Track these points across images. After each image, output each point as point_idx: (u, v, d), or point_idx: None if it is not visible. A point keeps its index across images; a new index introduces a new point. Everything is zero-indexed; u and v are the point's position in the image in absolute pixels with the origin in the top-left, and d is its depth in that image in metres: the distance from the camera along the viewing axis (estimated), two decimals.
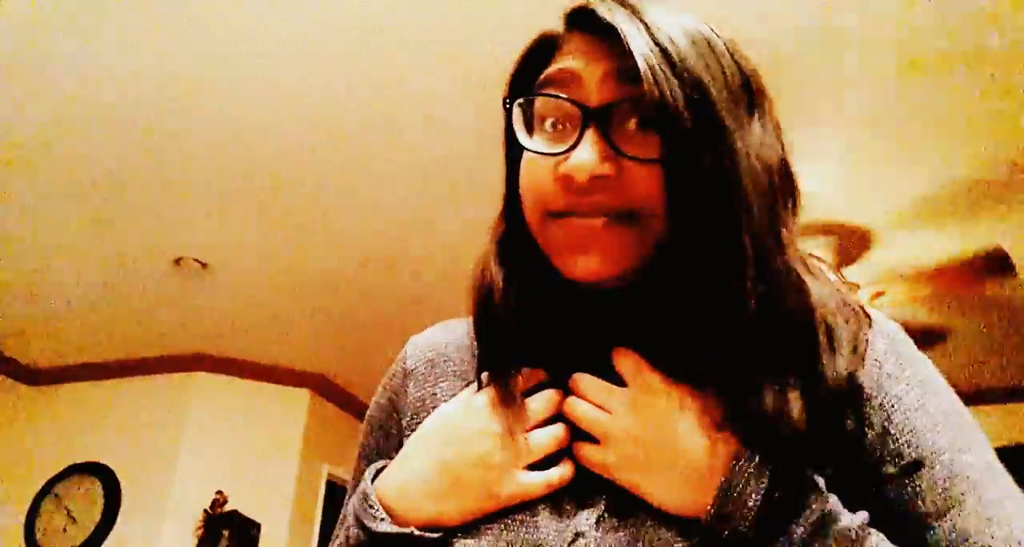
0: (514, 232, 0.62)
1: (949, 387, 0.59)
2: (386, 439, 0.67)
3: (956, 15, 1.91)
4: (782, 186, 0.56)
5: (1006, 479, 0.54)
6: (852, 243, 2.83)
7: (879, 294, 2.94)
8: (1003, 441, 3.77)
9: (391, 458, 0.62)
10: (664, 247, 0.53)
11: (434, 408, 0.63)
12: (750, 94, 0.56)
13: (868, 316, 0.59)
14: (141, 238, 3.03)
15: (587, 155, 0.52)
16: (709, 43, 0.54)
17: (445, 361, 0.67)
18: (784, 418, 0.50)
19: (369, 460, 0.66)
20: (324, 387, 4.33)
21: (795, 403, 0.51)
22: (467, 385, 0.63)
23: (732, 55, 0.56)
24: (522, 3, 1.91)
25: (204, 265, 3.22)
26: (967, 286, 2.89)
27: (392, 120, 2.38)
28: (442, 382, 0.65)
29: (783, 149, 0.57)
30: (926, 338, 3.36)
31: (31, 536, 3.85)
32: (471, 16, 1.98)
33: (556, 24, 0.61)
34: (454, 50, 2.10)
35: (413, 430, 0.62)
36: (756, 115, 0.55)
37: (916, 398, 0.56)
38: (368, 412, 0.72)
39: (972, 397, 3.77)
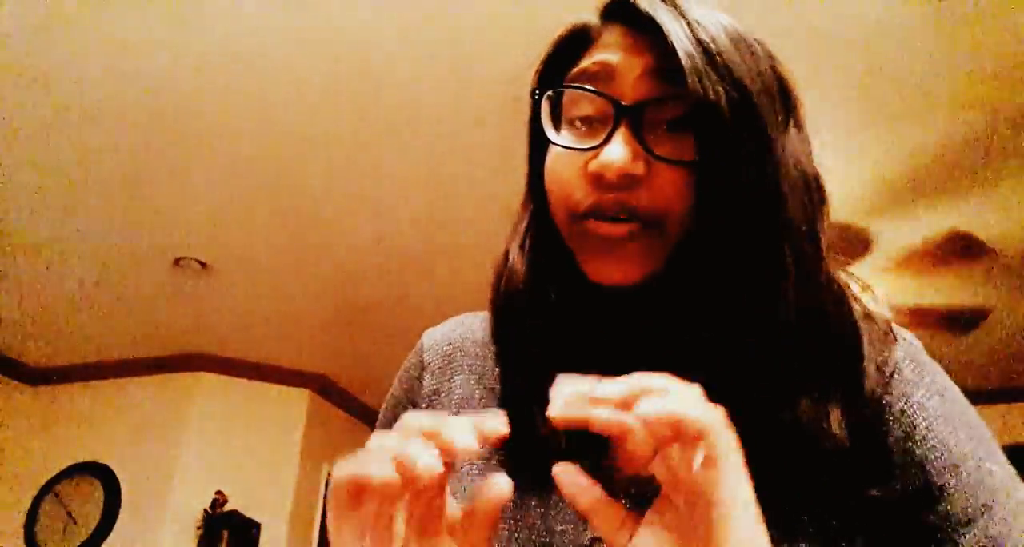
0: (538, 228, 0.60)
1: (963, 396, 0.58)
2: None
3: None
4: (819, 196, 0.54)
5: None
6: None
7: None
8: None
9: None
10: (688, 248, 0.52)
11: (448, 401, 0.62)
12: (786, 99, 0.54)
13: (893, 332, 0.58)
14: (141, 238, 3.03)
15: (619, 152, 0.50)
16: (749, 45, 0.53)
17: (462, 355, 0.66)
18: (824, 430, 0.49)
19: None
20: (324, 387, 4.33)
21: (835, 415, 0.49)
22: (480, 380, 0.62)
23: (766, 56, 0.54)
24: (525, 4, 1.91)
25: (204, 265, 3.22)
26: (936, 270, 2.84)
27: (394, 120, 2.38)
28: (457, 375, 0.64)
29: (811, 158, 0.56)
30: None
31: (31, 536, 3.85)
32: (473, 15, 1.98)
33: (559, 25, 0.59)
34: (458, 49, 2.10)
35: None
36: (792, 121, 0.54)
37: (937, 406, 0.55)
38: (383, 406, 0.70)
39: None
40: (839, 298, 0.53)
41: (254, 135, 2.45)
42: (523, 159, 0.62)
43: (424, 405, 0.64)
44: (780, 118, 0.52)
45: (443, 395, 0.64)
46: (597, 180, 0.52)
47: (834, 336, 0.52)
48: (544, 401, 0.53)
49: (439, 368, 0.66)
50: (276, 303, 3.55)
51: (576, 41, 0.58)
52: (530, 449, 0.53)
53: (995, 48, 2.03)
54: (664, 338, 0.54)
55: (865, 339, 0.54)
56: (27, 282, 3.33)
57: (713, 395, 0.48)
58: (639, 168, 0.50)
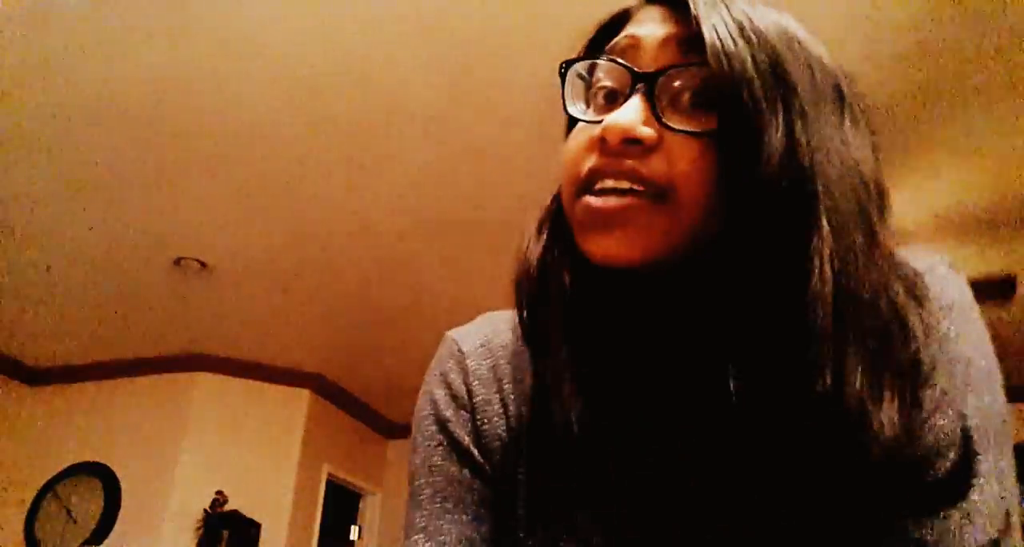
0: (555, 211, 0.56)
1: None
2: (457, 444, 0.59)
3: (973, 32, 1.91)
4: (878, 197, 0.49)
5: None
6: None
7: None
8: None
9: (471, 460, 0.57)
10: (708, 239, 0.48)
11: (499, 415, 0.58)
12: (840, 96, 0.51)
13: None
14: (141, 238, 3.03)
15: (624, 114, 0.48)
16: (797, 37, 0.50)
17: (503, 361, 0.61)
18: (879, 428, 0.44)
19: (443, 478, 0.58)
20: (324, 387, 4.33)
21: (891, 406, 0.44)
22: (520, 386, 0.59)
23: (828, 59, 0.51)
24: (525, 4, 1.90)
25: (204, 265, 3.22)
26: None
27: (394, 120, 2.38)
28: (505, 384, 0.60)
29: (877, 164, 0.51)
30: None
31: (31, 536, 3.85)
32: (474, 14, 1.98)
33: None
34: (461, 48, 2.10)
35: (485, 435, 0.58)
36: (847, 118, 0.50)
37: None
38: (425, 407, 0.62)
39: None
40: (902, 318, 0.47)
41: (255, 135, 2.45)
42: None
43: (478, 416, 0.59)
44: (828, 108, 0.49)
45: (495, 405, 0.59)
46: (601, 145, 0.49)
47: (889, 344, 0.46)
48: (572, 394, 0.51)
49: (485, 377, 0.61)
50: (276, 303, 3.55)
51: (617, 23, 0.56)
52: (556, 440, 0.52)
53: None
54: (689, 330, 0.51)
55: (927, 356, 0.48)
56: (27, 282, 3.33)
57: (741, 398, 0.47)
58: (644, 133, 0.47)
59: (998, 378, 0.51)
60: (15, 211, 2.83)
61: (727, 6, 0.49)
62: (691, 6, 0.49)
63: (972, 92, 2.13)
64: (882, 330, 0.46)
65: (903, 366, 0.46)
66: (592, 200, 0.49)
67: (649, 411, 0.53)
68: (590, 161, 0.50)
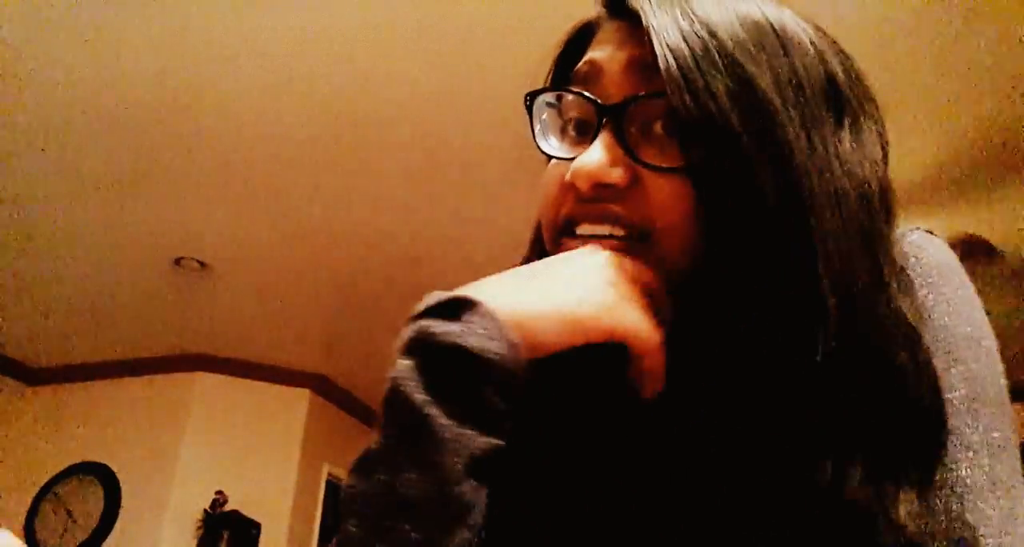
0: (538, 248, 0.53)
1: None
2: None
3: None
4: (880, 209, 0.45)
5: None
6: None
7: None
8: None
9: None
10: (691, 274, 0.44)
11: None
12: (837, 98, 0.46)
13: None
14: (141, 238, 3.03)
15: (592, 158, 0.44)
16: (779, 34, 0.45)
17: None
18: (887, 519, 0.38)
19: None
20: (324, 387, 4.33)
21: (906, 499, 0.39)
22: None
23: (816, 50, 0.46)
24: (525, 3, 1.90)
25: (204, 265, 3.22)
26: None
27: (394, 119, 2.38)
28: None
29: (883, 161, 0.47)
30: None
31: (31, 536, 3.85)
32: (474, 13, 1.98)
33: (565, 21, 0.55)
34: (458, 46, 2.10)
35: None
36: (847, 123, 0.46)
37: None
38: None
39: None
40: (912, 340, 0.42)
41: (254, 135, 2.45)
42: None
43: None
44: (821, 119, 0.44)
45: None
46: (574, 192, 0.46)
47: (907, 397, 0.41)
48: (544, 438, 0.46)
49: None
50: (276, 303, 3.55)
51: (582, 39, 0.53)
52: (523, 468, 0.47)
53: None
54: (675, 382, 0.46)
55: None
56: (27, 282, 3.33)
57: (728, 475, 0.42)
58: (616, 176, 0.44)
59: (987, 343, 0.46)
60: (15, 211, 2.83)
61: (687, 14, 0.44)
62: (644, 21, 0.44)
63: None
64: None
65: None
66: (572, 246, 0.46)
67: (615, 462, 0.49)
68: (566, 206, 0.47)
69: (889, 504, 0.39)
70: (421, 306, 0.41)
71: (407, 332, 0.41)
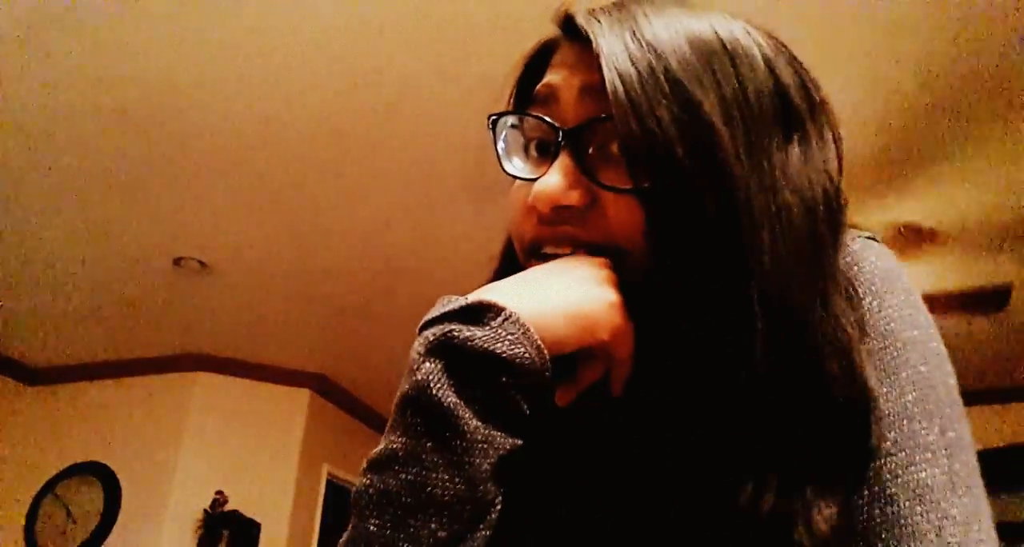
0: (509, 265, 0.55)
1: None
2: None
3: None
4: (827, 223, 0.45)
5: None
6: None
7: None
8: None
9: None
10: (646, 287, 0.45)
11: None
12: (788, 112, 0.47)
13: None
14: (141, 238, 3.03)
15: (550, 182, 0.46)
16: (730, 52, 0.46)
17: None
18: (808, 528, 0.39)
19: None
20: (324, 387, 4.33)
21: (827, 511, 0.40)
22: None
23: (768, 65, 0.47)
24: (525, 1, 1.91)
25: (204, 265, 3.22)
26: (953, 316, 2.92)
27: (394, 120, 2.38)
28: None
29: (837, 171, 0.48)
30: None
31: (31, 536, 3.85)
32: (474, 13, 1.98)
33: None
34: (458, 48, 2.10)
35: None
36: (796, 138, 0.47)
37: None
38: None
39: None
40: (846, 350, 0.43)
41: (254, 135, 2.45)
42: None
43: None
44: (765, 130, 0.45)
45: None
46: (536, 214, 0.48)
47: (836, 405, 0.42)
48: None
49: None
50: (276, 303, 3.55)
51: (543, 56, 0.55)
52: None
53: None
54: (623, 399, 0.48)
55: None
56: (27, 282, 3.33)
57: (660, 477, 0.43)
58: (574, 198, 0.46)
59: (934, 345, 0.46)
60: (15, 211, 2.83)
61: (636, 37, 0.46)
62: (594, 48, 0.46)
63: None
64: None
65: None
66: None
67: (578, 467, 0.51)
68: (529, 228, 0.49)
69: (809, 512, 0.39)
70: (438, 310, 0.43)
71: (428, 335, 0.42)
